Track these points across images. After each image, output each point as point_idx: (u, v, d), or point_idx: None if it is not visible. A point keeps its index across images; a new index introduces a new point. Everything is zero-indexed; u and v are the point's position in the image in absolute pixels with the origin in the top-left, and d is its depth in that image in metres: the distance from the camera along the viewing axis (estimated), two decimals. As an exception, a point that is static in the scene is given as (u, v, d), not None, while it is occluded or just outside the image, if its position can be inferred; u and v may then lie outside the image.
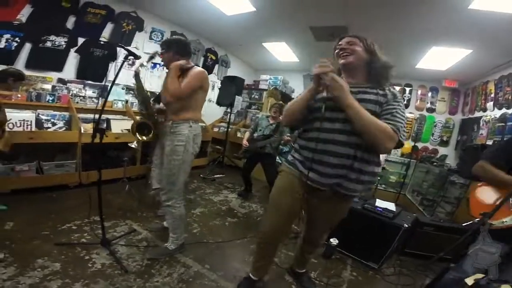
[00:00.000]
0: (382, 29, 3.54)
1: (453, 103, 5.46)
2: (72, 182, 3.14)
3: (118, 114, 3.94)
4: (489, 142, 4.11)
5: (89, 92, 3.78)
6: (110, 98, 3.94)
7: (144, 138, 2.13)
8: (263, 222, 1.69)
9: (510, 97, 3.91)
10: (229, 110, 5.10)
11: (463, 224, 2.26)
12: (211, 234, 2.61)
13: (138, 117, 2.38)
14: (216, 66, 5.69)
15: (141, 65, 2.06)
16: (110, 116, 3.76)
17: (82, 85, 3.71)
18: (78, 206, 2.68)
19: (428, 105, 5.62)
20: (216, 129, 5.69)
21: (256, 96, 5.97)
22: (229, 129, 5.03)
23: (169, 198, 1.98)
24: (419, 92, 5.71)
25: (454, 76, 4.95)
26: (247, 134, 3.74)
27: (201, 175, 4.42)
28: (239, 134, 5.38)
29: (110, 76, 3.94)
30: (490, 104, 4.39)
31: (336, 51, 1.37)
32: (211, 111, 5.49)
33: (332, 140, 1.28)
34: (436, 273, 2.37)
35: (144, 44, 4.26)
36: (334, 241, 2.48)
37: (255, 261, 1.79)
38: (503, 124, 3.89)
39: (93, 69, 3.79)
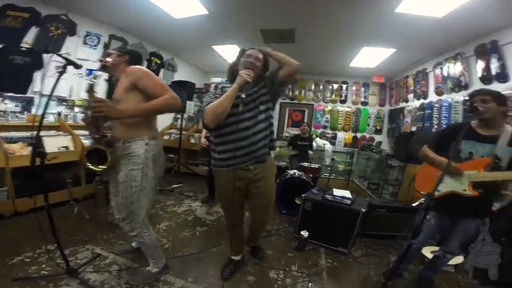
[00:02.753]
0: (324, 32, 3.84)
1: (381, 96, 6.25)
2: (7, 211, 2.68)
3: (51, 129, 3.42)
4: (414, 128, 4.83)
5: (10, 106, 3.19)
6: (38, 112, 3.41)
7: (101, 167, 1.68)
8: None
9: (425, 89, 4.65)
10: (179, 116, 4.90)
11: (413, 204, 2.61)
12: (184, 246, 2.50)
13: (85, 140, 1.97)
14: (162, 71, 5.37)
15: (95, 77, 1.77)
16: (41, 133, 3.23)
17: (1, 98, 3.12)
18: (22, 236, 2.34)
19: (362, 99, 6.31)
20: (166, 137, 5.40)
21: None
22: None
23: (132, 229, 1.74)
24: (354, 88, 6.37)
25: (381, 72, 5.65)
26: (204, 132, 3.63)
27: (158, 187, 4.13)
28: (192, 140, 5.22)
29: (36, 86, 3.45)
30: (411, 96, 5.15)
31: (246, 60, 1.74)
32: (158, 118, 5.17)
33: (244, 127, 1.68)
34: (396, 249, 2.69)
35: (77, 50, 3.78)
36: (304, 233, 2.62)
37: (230, 241, 2.15)
38: (422, 112, 4.61)
39: (13, 79, 3.22)
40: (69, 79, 3.61)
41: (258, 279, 2.11)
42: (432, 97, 4.43)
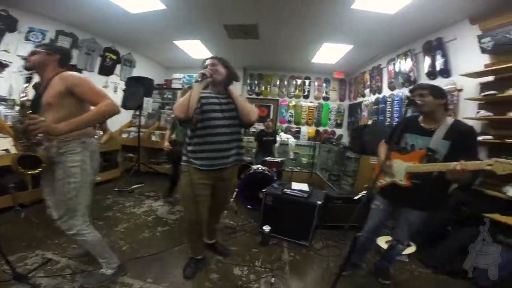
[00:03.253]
0: (286, 27, 3.89)
1: (341, 91, 6.52)
2: None
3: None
4: (370, 122, 5.11)
5: None
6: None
7: (35, 171, 1.61)
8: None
9: (380, 84, 4.94)
10: (138, 113, 4.70)
11: (354, 198, 2.74)
12: (144, 247, 2.42)
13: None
14: (118, 66, 5.12)
15: (24, 92, 1.52)
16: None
17: None
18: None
19: (324, 94, 6.54)
20: (125, 135, 5.14)
21: (169, 96, 5.69)
22: (141, 133, 4.64)
23: (70, 227, 1.68)
24: (316, 83, 6.58)
25: (341, 68, 5.89)
26: (167, 134, 3.50)
27: (116, 189, 3.93)
28: (154, 138, 5.04)
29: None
30: (367, 91, 5.44)
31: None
32: (116, 116, 4.90)
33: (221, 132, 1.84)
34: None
35: (17, 46, 3.45)
36: (266, 228, 2.64)
37: (191, 241, 2.17)
38: (377, 106, 4.90)
39: None
40: (8, 77, 3.32)
41: (222, 276, 2.11)
42: (386, 91, 4.71)
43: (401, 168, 1.79)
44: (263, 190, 2.83)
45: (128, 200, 3.64)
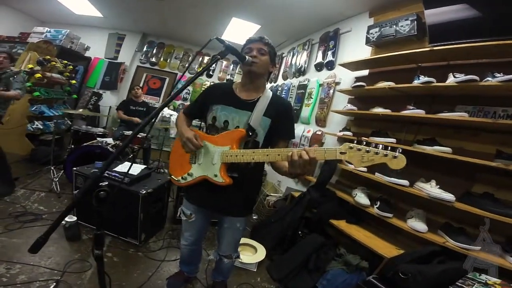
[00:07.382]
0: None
1: (246, 75, 6.11)
2: None
3: None
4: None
5: None
6: None
7: None
8: None
9: (277, 73, 4.69)
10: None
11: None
12: None
13: None
14: None
15: None
16: None
17: None
18: None
19: (228, 77, 6.02)
20: None
21: (20, 51, 4.35)
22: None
23: None
24: (224, 64, 6.02)
25: (251, 52, 5.44)
26: None
27: None
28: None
29: None
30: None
31: None
32: None
33: None
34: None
35: None
36: (70, 219, 1.95)
37: None
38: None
39: None
40: None
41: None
42: (280, 81, 4.51)
43: (212, 155, 1.23)
44: (74, 168, 2.08)
45: None
